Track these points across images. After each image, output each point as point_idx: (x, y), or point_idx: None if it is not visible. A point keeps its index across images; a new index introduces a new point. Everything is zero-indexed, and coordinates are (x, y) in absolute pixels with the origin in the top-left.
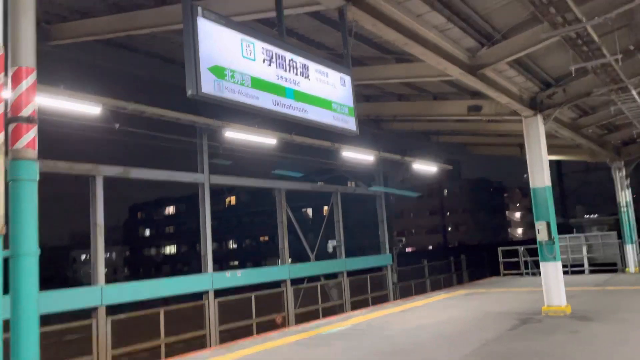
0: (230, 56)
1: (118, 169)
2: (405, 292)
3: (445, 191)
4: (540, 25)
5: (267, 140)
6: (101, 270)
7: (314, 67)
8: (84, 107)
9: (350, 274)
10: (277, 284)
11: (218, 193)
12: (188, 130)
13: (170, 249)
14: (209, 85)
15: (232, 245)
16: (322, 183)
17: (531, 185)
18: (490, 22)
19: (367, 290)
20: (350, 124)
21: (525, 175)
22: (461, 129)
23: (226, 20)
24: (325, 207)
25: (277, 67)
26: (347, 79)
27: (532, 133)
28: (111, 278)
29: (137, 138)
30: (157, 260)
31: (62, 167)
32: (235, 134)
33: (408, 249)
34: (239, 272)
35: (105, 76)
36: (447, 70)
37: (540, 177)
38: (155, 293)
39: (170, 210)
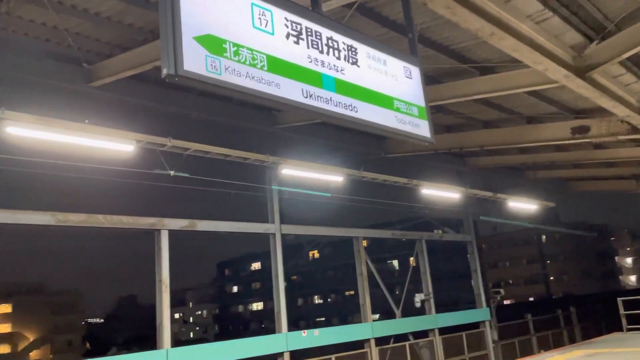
0: (233, 25)
1: (183, 222)
2: (508, 353)
3: (544, 237)
4: None
5: (331, 177)
6: (167, 332)
7: (364, 50)
8: (115, 145)
9: (442, 331)
10: (360, 344)
11: (300, 247)
12: (256, 175)
13: (258, 306)
14: (196, 62)
15: (317, 300)
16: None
17: None
18: (600, 9)
19: (464, 351)
20: (422, 128)
21: None
22: (561, 161)
23: None
24: (412, 259)
25: (308, 47)
26: (415, 70)
27: None
28: (202, 337)
29: (202, 186)
30: (245, 317)
31: (127, 222)
32: (293, 172)
33: (506, 302)
34: (317, 331)
35: (149, 116)
36: (549, 72)
37: None
38: (224, 356)
39: (256, 265)
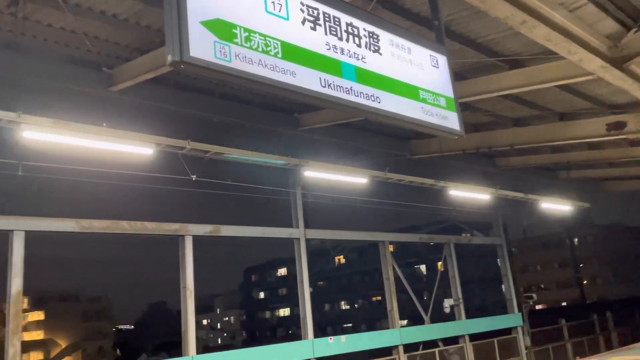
0: (243, 9)
1: (207, 228)
2: (541, 359)
3: (576, 240)
4: None
5: (355, 179)
6: (192, 339)
7: (387, 37)
8: (133, 148)
9: (473, 337)
10: (388, 351)
11: (325, 252)
12: (280, 180)
13: (284, 311)
14: (203, 48)
15: (344, 306)
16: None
17: None
18: None
19: (496, 357)
20: (450, 121)
21: None
22: (596, 159)
23: None
24: (440, 263)
25: (326, 33)
26: (442, 59)
27: None
28: (230, 343)
29: (225, 190)
30: (272, 323)
31: (151, 228)
32: (316, 174)
33: (538, 306)
34: (344, 338)
35: (169, 120)
36: (583, 63)
37: None
38: None
39: (282, 271)
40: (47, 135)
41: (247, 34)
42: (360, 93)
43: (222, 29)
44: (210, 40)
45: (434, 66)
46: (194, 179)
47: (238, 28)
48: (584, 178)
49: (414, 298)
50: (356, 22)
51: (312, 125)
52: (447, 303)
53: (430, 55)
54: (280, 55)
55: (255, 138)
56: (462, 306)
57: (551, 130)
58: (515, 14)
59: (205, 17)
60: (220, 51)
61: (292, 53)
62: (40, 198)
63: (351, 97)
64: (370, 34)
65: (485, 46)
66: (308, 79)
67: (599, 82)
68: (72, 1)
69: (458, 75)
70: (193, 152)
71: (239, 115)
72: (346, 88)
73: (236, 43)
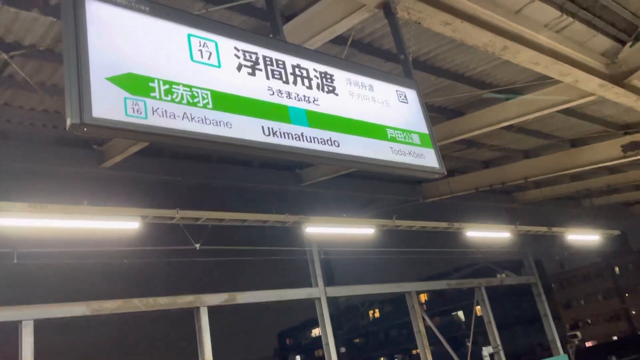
0: (162, 60)
1: (222, 297)
2: None
3: (617, 269)
4: None
5: (361, 230)
6: None
7: (343, 76)
8: (118, 224)
9: None
10: None
11: (355, 308)
12: (294, 239)
13: None
14: (111, 106)
15: None
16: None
17: None
18: (627, 7)
19: None
20: (427, 158)
21: None
22: (618, 183)
23: (150, 5)
24: (478, 307)
25: (268, 78)
26: (411, 93)
27: None
28: None
29: (238, 255)
30: None
31: (164, 304)
32: (317, 229)
33: (587, 343)
34: None
35: (165, 190)
36: (580, 84)
37: None
38: None
39: (316, 332)
40: (25, 221)
41: (167, 86)
42: (314, 138)
43: (135, 84)
44: (120, 97)
45: (402, 102)
46: (197, 247)
47: (156, 81)
48: (610, 204)
49: (449, 349)
50: (304, 63)
51: (315, 180)
52: (486, 351)
53: (397, 90)
54: (210, 106)
55: (258, 199)
56: (502, 353)
57: (564, 158)
58: (494, 41)
59: (112, 73)
60: (133, 108)
61: (226, 102)
62: (46, 284)
63: (303, 144)
64: (323, 74)
65: (476, 79)
66: (247, 129)
67: (605, 103)
68: (48, 82)
69: (454, 112)
70: (184, 221)
71: (239, 177)
72: (296, 134)
73: (153, 97)
